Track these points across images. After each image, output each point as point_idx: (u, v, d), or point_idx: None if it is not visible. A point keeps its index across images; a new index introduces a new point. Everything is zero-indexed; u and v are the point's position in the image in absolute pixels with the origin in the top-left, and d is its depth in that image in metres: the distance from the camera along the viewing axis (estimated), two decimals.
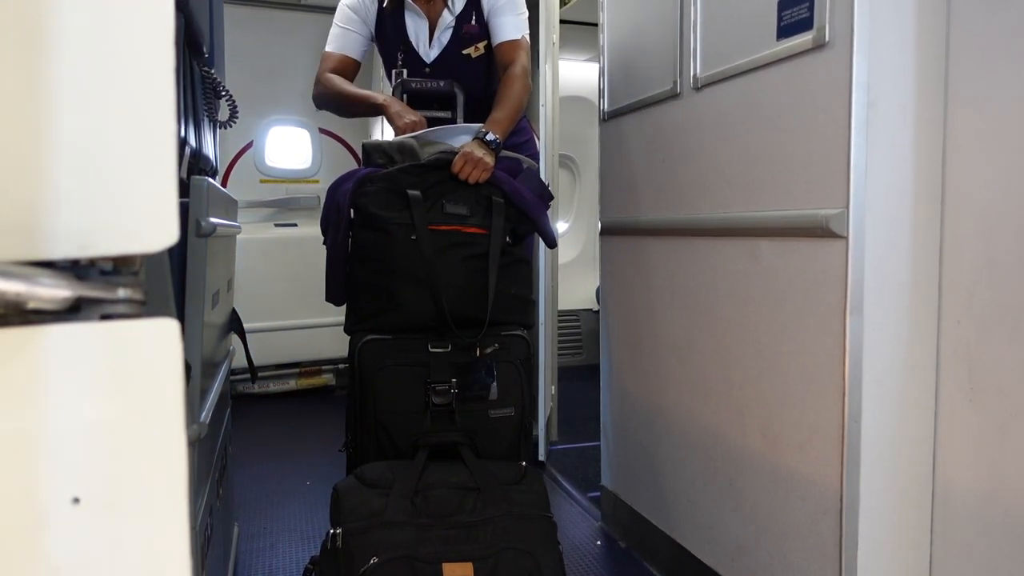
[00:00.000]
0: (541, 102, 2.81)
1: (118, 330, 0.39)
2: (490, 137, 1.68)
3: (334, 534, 1.33)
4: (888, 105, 1.23)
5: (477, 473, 1.43)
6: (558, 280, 3.03)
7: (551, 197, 1.74)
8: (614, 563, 2.01)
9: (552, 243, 1.78)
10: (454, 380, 1.55)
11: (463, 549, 1.32)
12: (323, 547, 1.37)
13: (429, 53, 2.01)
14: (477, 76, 2.02)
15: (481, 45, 2.00)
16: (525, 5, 2.02)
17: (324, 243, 1.65)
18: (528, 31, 2.00)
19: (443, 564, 1.30)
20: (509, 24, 1.96)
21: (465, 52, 2.00)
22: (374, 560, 1.27)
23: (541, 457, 2.83)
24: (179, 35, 1.09)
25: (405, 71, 1.98)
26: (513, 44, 1.95)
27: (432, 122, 1.90)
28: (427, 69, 2.01)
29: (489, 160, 1.63)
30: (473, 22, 1.99)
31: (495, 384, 1.58)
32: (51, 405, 0.37)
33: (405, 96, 1.94)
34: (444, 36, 2.00)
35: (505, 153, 1.74)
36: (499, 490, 1.41)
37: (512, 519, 1.37)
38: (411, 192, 1.56)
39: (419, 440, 1.48)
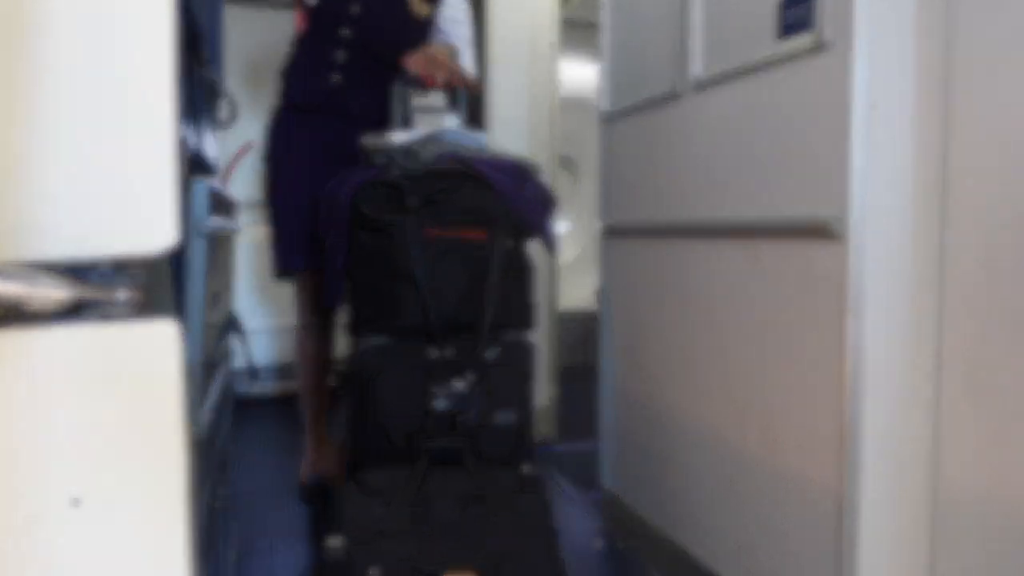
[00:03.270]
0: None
1: (118, 331, 0.39)
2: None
3: (335, 543, 1.32)
4: (888, 106, 1.22)
5: (479, 480, 1.42)
6: (558, 280, 3.03)
7: (555, 203, 1.74)
8: (614, 564, 2.01)
9: (553, 250, 1.78)
10: (455, 385, 1.54)
11: (465, 559, 1.32)
12: (324, 555, 1.37)
13: None
14: (410, 36, 1.98)
15: (427, 7, 2.02)
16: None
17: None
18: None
19: (444, 575, 1.30)
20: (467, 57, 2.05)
21: (409, 6, 2.00)
22: (375, 571, 1.27)
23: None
24: (179, 35, 1.08)
25: None
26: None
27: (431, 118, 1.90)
28: None
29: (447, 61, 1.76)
30: None
31: (490, 408, 1.57)
32: (51, 405, 0.37)
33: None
34: None
35: (514, 158, 1.73)
36: (501, 498, 1.40)
37: (514, 528, 1.37)
38: (409, 198, 1.55)
39: (420, 445, 1.48)
